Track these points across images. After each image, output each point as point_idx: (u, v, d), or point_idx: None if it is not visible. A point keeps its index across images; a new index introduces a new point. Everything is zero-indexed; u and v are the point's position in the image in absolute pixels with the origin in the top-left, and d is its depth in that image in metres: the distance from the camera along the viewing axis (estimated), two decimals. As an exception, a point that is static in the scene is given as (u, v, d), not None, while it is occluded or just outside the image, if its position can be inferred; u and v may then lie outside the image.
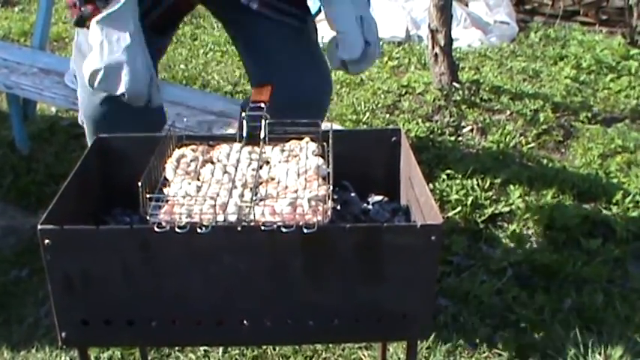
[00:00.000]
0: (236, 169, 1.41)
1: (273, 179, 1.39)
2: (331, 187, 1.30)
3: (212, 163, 1.46)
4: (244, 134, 1.52)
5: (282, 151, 1.48)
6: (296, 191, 1.32)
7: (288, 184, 1.35)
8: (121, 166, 1.52)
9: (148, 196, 1.25)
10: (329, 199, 1.27)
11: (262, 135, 1.50)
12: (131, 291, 1.27)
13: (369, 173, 1.57)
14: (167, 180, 1.39)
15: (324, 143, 1.47)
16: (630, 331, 2.10)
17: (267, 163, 1.46)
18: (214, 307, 1.29)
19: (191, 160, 1.45)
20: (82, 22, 1.74)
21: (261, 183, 1.37)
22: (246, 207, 1.26)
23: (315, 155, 1.44)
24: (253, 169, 1.41)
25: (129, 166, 1.51)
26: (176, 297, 1.28)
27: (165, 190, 1.35)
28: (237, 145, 1.51)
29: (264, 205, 1.26)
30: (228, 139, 1.53)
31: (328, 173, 1.35)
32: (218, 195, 1.30)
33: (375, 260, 1.25)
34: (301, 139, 1.51)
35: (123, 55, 1.65)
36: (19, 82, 2.85)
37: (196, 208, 1.26)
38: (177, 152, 1.48)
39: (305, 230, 1.19)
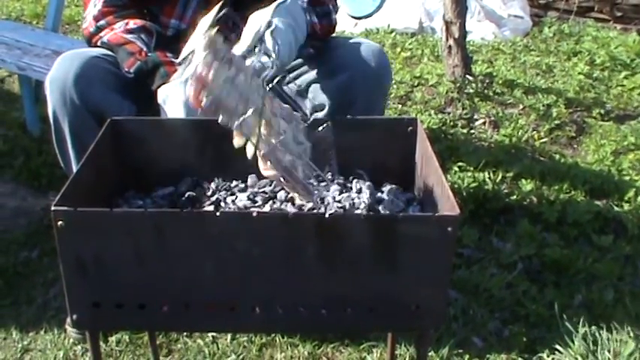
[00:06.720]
0: None
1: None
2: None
3: None
4: None
5: None
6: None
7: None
8: (135, 149, 1.52)
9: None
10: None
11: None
12: (143, 275, 1.26)
13: (384, 162, 1.56)
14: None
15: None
16: (640, 328, 2.09)
17: None
18: (226, 293, 1.28)
19: None
20: (146, 70, 1.72)
21: None
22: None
23: None
24: None
25: (143, 149, 1.50)
26: (188, 282, 1.27)
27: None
28: None
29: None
30: None
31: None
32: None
33: (389, 250, 1.23)
34: None
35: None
36: (32, 64, 2.84)
37: None
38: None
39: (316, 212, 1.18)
